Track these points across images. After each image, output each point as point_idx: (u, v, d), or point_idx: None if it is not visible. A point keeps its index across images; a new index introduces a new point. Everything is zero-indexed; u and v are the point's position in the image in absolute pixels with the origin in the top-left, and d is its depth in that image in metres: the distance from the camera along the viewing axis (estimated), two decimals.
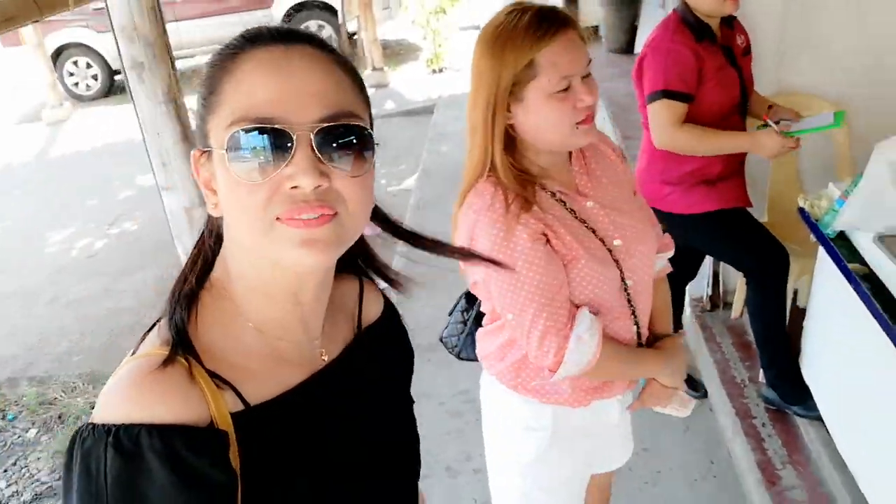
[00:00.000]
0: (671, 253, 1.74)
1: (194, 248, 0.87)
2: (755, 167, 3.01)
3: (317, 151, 0.74)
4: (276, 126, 0.72)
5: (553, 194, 1.49)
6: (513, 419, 1.67)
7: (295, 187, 0.73)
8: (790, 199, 2.66)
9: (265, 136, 0.73)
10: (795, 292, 2.84)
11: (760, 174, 3.05)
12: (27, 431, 3.65)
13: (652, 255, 1.62)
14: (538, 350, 1.46)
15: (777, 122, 2.37)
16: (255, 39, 0.76)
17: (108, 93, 10.00)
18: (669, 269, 1.76)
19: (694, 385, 3.06)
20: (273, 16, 9.75)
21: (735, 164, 2.54)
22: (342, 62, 0.80)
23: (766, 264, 2.56)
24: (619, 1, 6.62)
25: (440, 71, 8.76)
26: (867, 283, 1.92)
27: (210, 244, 0.86)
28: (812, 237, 2.24)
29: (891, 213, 1.90)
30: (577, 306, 1.48)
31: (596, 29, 7.44)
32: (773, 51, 2.85)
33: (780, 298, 2.59)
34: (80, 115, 9.43)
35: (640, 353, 1.62)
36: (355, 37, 8.82)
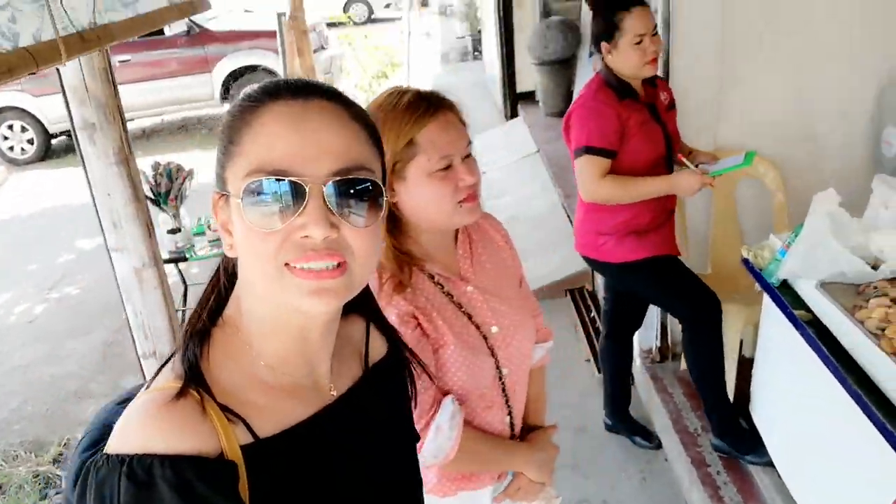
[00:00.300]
0: (550, 343, 1.77)
1: (208, 285, 0.91)
2: (697, 222, 3.16)
3: (328, 203, 0.78)
4: (289, 178, 0.77)
5: (432, 277, 1.50)
6: None
7: (306, 236, 0.78)
8: (732, 252, 2.79)
9: (279, 186, 0.77)
10: (741, 343, 2.95)
11: (702, 228, 3.19)
12: None
13: (530, 345, 1.63)
14: None
15: (696, 166, 2.52)
16: (274, 93, 0.81)
17: (43, 157, 9.81)
18: (548, 359, 1.78)
19: (648, 436, 3.12)
20: (213, 80, 9.77)
21: (664, 214, 2.68)
22: (358, 115, 0.84)
23: (698, 311, 2.67)
24: (555, 67, 6.86)
25: None
26: (812, 329, 2.01)
27: (224, 282, 0.90)
28: (756, 286, 2.34)
29: (831, 261, 2.01)
30: (446, 393, 1.48)
31: (533, 94, 7.70)
32: (711, 114, 3.01)
33: (714, 344, 2.69)
34: (15, 179, 9.21)
35: (507, 445, 1.62)
36: None
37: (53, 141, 9.96)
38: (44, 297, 5.55)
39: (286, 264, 0.79)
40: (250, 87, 0.84)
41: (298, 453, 0.85)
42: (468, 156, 1.44)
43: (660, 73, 2.87)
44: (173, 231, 3.87)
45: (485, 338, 1.51)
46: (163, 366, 0.85)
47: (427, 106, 1.39)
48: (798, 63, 2.97)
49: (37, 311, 5.35)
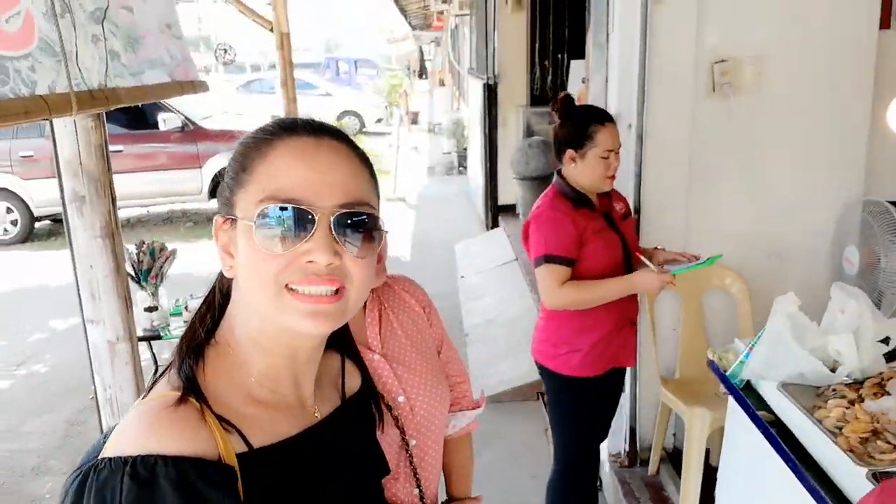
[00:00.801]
0: (477, 411, 1.73)
1: (203, 304, 0.96)
2: (666, 328, 3.24)
3: (333, 232, 0.85)
4: (301, 206, 0.84)
5: None
6: None
7: (310, 261, 0.84)
8: (699, 358, 2.85)
9: (291, 213, 0.84)
10: (708, 452, 2.97)
11: (671, 335, 3.27)
12: None
13: (441, 416, 1.59)
14: None
15: (658, 265, 2.57)
16: (290, 129, 0.89)
17: (26, 238, 9.84)
18: (474, 426, 1.75)
19: None
20: (203, 176, 9.97)
21: (625, 322, 2.67)
22: (361, 156, 0.94)
23: (573, 462, 2.75)
24: (535, 181, 7.13)
25: None
26: (774, 429, 2.05)
27: (219, 300, 0.96)
28: (721, 389, 2.40)
29: (791, 362, 2.07)
30: None
31: (514, 206, 7.94)
32: (681, 223, 3.14)
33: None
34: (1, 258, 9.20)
35: None
36: None
37: (37, 224, 10.01)
38: (11, 372, 5.45)
39: (287, 286, 0.84)
40: (266, 122, 0.92)
41: (288, 466, 0.89)
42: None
43: (631, 182, 3.02)
44: (150, 309, 3.89)
45: (389, 408, 1.48)
46: (156, 380, 0.89)
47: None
48: (764, 183, 3.14)
49: (2, 387, 5.24)
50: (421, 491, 1.55)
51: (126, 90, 1.99)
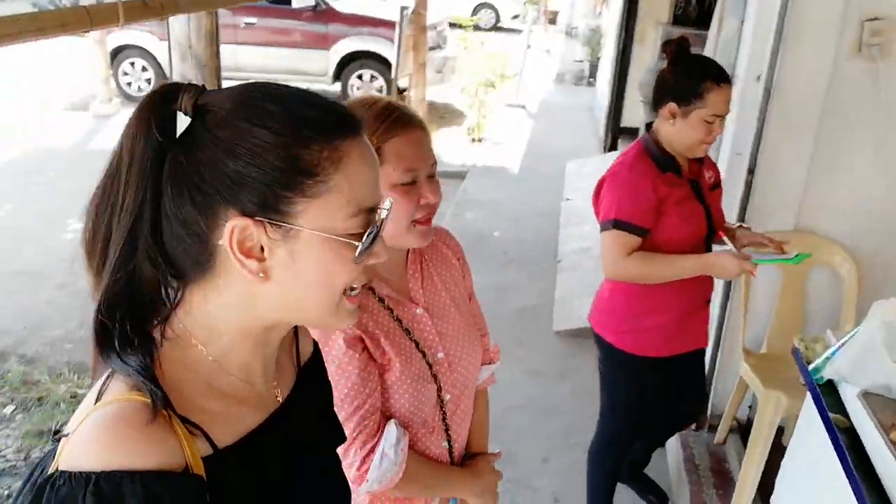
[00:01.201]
0: (496, 365, 1.73)
1: (115, 297, 0.83)
2: (760, 300, 3.04)
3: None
4: (382, 220, 0.87)
5: (381, 300, 1.47)
6: None
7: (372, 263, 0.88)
8: (789, 338, 2.67)
9: (379, 225, 0.87)
10: (783, 430, 2.83)
11: (765, 308, 3.07)
12: (4, 407, 3.67)
13: (475, 370, 1.60)
14: (344, 459, 1.40)
15: (740, 249, 2.33)
16: (352, 128, 0.85)
17: None
18: (492, 381, 1.74)
19: (662, 498, 3.02)
20: (330, 58, 10.00)
21: (699, 304, 2.47)
22: None
23: (616, 433, 2.67)
24: None
25: (479, 141, 8.91)
26: (845, 437, 1.91)
27: (148, 298, 0.85)
28: (801, 379, 2.24)
29: (877, 372, 1.91)
30: (388, 418, 1.45)
31: (636, 131, 7.58)
32: (796, 195, 2.89)
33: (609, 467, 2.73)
34: (126, 113, 9.65)
35: (446, 471, 1.58)
36: (405, 93, 9.02)
37: None
38: None
39: (343, 293, 0.87)
40: (314, 116, 0.83)
41: (254, 461, 0.87)
42: (432, 176, 1.43)
43: (749, 140, 2.78)
44: None
45: (429, 364, 1.49)
46: (106, 381, 0.82)
47: (398, 117, 1.39)
48: None
49: None
50: (451, 444, 1.57)
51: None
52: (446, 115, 10.39)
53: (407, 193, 1.37)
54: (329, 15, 10.00)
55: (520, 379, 3.91)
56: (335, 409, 1.40)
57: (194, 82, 0.84)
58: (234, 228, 0.80)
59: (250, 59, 10.06)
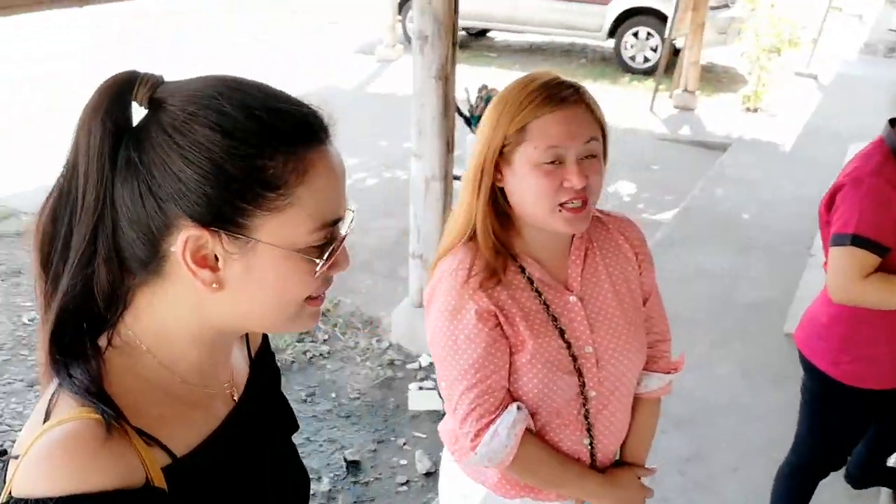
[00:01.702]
0: (672, 375, 1.59)
1: (71, 302, 0.80)
2: None
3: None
4: (345, 233, 0.84)
5: (531, 281, 1.40)
6: (452, 489, 1.63)
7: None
8: None
9: (338, 242, 0.83)
10: None
11: None
12: None
13: (631, 373, 1.49)
14: (459, 429, 1.42)
15: None
16: (316, 138, 0.81)
17: None
18: (667, 391, 1.61)
19: None
20: (607, 14, 9.74)
21: None
22: None
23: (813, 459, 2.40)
24: None
25: (754, 111, 8.20)
26: None
27: (100, 307, 0.82)
28: None
29: None
30: (515, 399, 1.40)
31: None
32: None
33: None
34: (407, 59, 10.23)
35: (578, 471, 1.48)
36: (679, 53, 8.54)
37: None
38: (380, 172, 6.20)
39: (305, 300, 0.84)
40: (280, 124, 0.78)
41: (216, 465, 0.86)
42: (589, 157, 1.34)
43: None
44: None
45: (574, 357, 1.42)
46: (53, 396, 0.78)
47: (550, 95, 1.32)
48: None
49: (369, 183, 6.01)
50: (593, 444, 1.51)
51: None
52: (724, 79, 9.70)
53: (548, 175, 1.32)
54: None
55: (731, 377, 3.63)
56: (452, 379, 1.41)
57: (152, 72, 0.80)
58: (188, 238, 0.76)
59: (528, 13, 10.11)
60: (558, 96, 1.32)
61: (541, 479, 1.49)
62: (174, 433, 0.82)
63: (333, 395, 3.59)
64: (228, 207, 0.76)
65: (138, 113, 0.79)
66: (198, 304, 0.82)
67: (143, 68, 0.81)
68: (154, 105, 0.77)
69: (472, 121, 4.00)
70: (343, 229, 0.84)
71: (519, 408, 1.40)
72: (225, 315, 0.83)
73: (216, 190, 0.75)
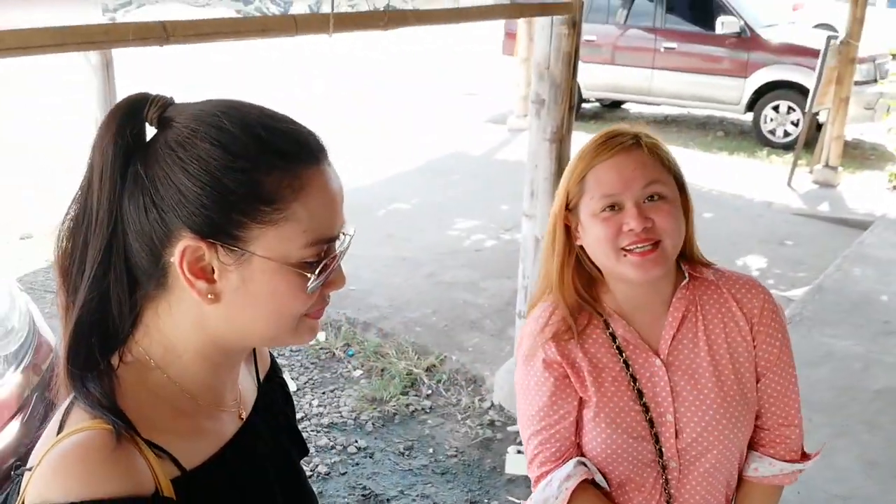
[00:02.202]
0: (798, 466, 1.47)
1: (87, 316, 0.83)
2: None
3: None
4: (340, 251, 0.86)
5: (613, 337, 1.37)
6: None
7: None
8: None
9: (331, 259, 0.85)
10: None
11: None
12: (355, 370, 4.25)
13: (718, 449, 1.39)
14: (528, 469, 1.45)
15: None
16: (315, 156, 0.84)
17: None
18: (788, 481, 1.49)
19: None
20: (745, 87, 9.52)
21: None
22: None
23: None
24: None
25: None
26: None
27: (115, 322, 0.85)
28: None
29: None
30: (584, 454, 1.39)
31: None
32: None
33: None
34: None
35: None
36: (821, 128, 8.20)
37: (585, 105, 10.89)
38: (498, 234, 6.26)
39: (305, 315, 0.87)
40: (278, 142, 0.82)
41: (223, 481, 0.88)
42: (653, 199, 1.31)
43: None
44: None
45: (651, 423, 1.37)
46: (67, 408, 0.82)
47: (605, 143, 1.34)
48: None
49: (487, 245, 6.08)
50: None
51: (417, 12, 2.03)
52: (872, 156, 9.19)
53: (606, 221, 1.32)
54: (753, 42, 9.51)
55: (854, 467, 3.35)
56: (523, 424, 1.44)
57: (163, 94, 0.84)
58: (185, 249, 0.79)
59: (664, 85, 10.05)
60: (613, 143, 1.33)
61: None
62: (183, 447, 0.84)
63: (431, 450, 3.59)
64: (225, 219, 0.79)
65: (151, 133, 0.84)
66: (199, 318, 0.84)
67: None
68: (163, 124, 0.82)
69: None
70: (338, 249, 0.86)
71: (580, 463, 1.38)
72: (224, 329, 0.85)
73: (214, 202, 0.79)
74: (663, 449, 1.38)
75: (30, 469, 0.77)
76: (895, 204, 7.22)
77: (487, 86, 12.59)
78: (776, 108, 9.42)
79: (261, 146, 0.80)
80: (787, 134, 9.35)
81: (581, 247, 1.39)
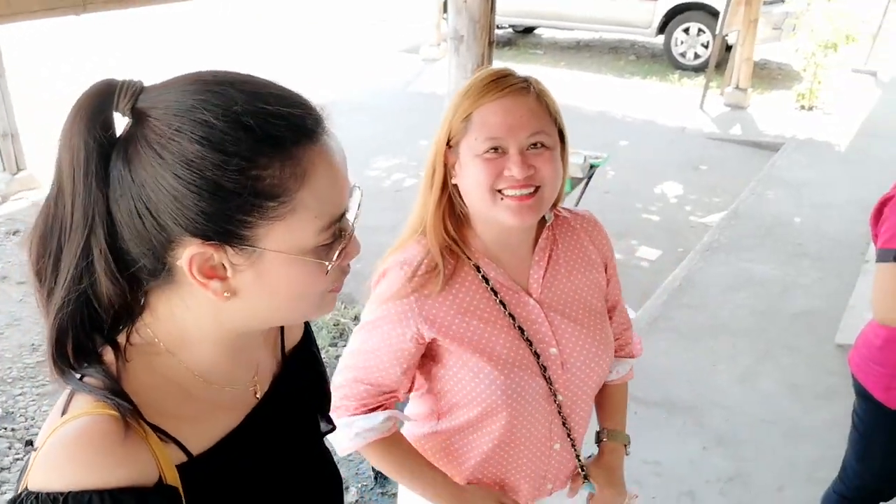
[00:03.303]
0: (633, 360, 1.64)
1: (66, 317, 0.78)
2: None
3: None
4: (352, 224, 0.81)
5: (486, 280, 1.35)
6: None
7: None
8: None
9: (348, 235, 0.81)
10: None
11: None
12: None
13: (598, 377, 1.47)
14: (334, 398, 1.38)
15: None
16: (309, 136, 0.76)
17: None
18: (631, 376, 1.65)
19: None
20: (656, 9, 9.52)
21: None
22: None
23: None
24: None
25: (809, 109, 7.91)
26: None
27: (120, 303, 0.80)
28: None
29: None
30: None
31: None
32: None
33: None
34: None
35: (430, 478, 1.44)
36: (730, 50, 8.28)
37: (498, 31, 10.70)
38: (419, 173, 6.12)
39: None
40: (271, 129, 0.73)
41: (232, 465, 0.85)
42: (537, 146, 1.28)
43: None
44: None
45: (537, 355, 1.38)
46: (71, 392, 0.79)
47: (494, 83, 1.28)
48: None
49: (406, 184, 5.95)
50: (575, 447, 1.50)
51: None
52: (777, 76, 9.40)
53: (487, 163, 1.27)
54: None
55: (777, 391, 3.46)
56: (348, 352, 1.41)
57: (132, 79, 0.76)
58: (193, 256, 0.74)
59: (573, 9, 9.95)
60: (503, 83, 1.28)
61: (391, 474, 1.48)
62: (192, 431, 0.81)
63: None
64: (229, 222, 0.74)
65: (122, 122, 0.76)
66: (216, 311, 0.80)
67: (121, 75, 0.77)
68: (137, 116, 0.74)
69: None
70: (351, 217, 0.81)
71: (389, 419, 1.39)
72: (244, 319, 0.82)
73: (213, 206, 0.72)
74: (554, 383, 1.40)
75: (36, 449, 0.75)
76: (803, 124, 7.41)
77: (398, 13, 12.23)
78: (686, 31, 9.49)
79: (254, 138, 0.72)
80: (697, 56, 9.45)
81: (455, 185, 1.34)
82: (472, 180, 1.29)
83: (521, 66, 9.10)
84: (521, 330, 1.37)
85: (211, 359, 0.85)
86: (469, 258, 1.38)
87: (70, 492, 0.70)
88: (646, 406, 3.31)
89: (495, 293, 1.37)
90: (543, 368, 1.38)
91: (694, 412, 3.31)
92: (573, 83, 8.86)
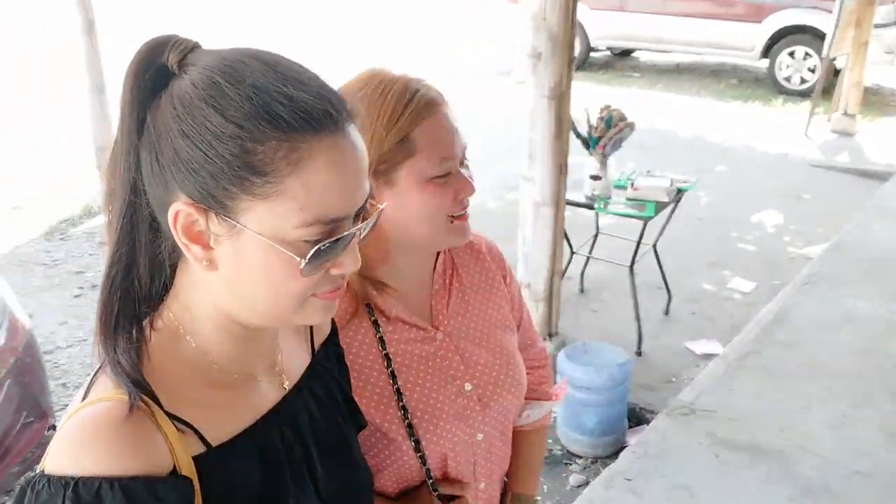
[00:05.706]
0: (553, 404, 1.46)
1: (118, 276, 0.80)
2: None
3: (360, 236, 0.81)
4: (345, 230, 0.77)
5: (375, 323, 1.19)
6: None
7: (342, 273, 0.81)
8: None
9: (340, 240, 0.76)
10: None
11: None
12: None
13: (513, 407, 1.33)
14: None
15: None
16: (316, 126, 0.74)
17: (580, 66, 10.43)
18: (548, 421, 1.50)
19: None
20: (760, 33, 9.17)
21: None
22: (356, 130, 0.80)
23: None
24: None
25: None
26: None
27: (144, 284, 0.82)
28: None
29: None
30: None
31: None
32: None
33: None
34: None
35: None
36: (839, 74, 7.86)
37: (593, 54, 10.58)
38: (502, 195, 6.03)
39: (313, 295, 0.80)
40: (276, 107, 0.73)
41: (255, 454, 0.84)
42: (463, 163, 1.16)
43: None
44: (595, 178, 3.81)
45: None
46: (95, 375, 0.80)
47: (424, 96, 1.11)
48: None
49: (490, 206, 5.86)
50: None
51: None
52: (892, 102, 8.86)
53: (441, 187, 1.13)
54: None
55: (876, 439, 3.17)
56: None
57: (188, 38, 0.78)
58: (178, 212, 0.75)
59: (675, 32, 9.71)
60: (428, 96, 1.12)
61: None
62: (212, 421, 0.81)
63: None
64: (215, 187, 0.74)
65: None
66: (207, 286, 0.80)
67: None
68: (179, 70, 0.76)
69: (590, 143, 3.75)
70: (356, 227, 0.79)
71: None
72: (229, 301, 0.80)
73: (205, 168, 0.73)
74: (473, 423, 1.25)
75: (56, 430, 0.76)
76: None
77: (495, 35, 12.23)
78: (792, 54, 9.11)
79: (258, 112, 0.73)
80: (803, 81, 9.04)
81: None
82: (425, 209, 1.14)
83: (616, 90, 8.94)
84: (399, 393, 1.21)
85: (218, 343, 0.84)
86: (381, 293, 1.22)
87: (80, 478, 0.70)
88: (728, 450, 3.10)
89: (377, 326, 1.21)
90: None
91: (781, 459, 3.06)
92: (668, 106, 8.61)
